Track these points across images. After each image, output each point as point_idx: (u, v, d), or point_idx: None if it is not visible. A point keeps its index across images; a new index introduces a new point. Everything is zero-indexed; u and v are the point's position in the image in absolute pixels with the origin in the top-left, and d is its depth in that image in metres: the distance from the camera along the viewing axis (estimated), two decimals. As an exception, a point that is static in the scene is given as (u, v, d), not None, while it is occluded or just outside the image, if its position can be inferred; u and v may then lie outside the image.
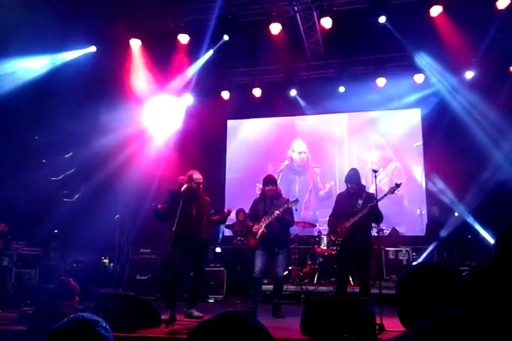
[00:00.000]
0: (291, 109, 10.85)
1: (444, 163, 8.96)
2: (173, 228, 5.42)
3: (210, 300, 7.97)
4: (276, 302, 6.10)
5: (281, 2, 8.47)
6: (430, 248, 8.30)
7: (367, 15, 8.51)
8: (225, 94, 10.64)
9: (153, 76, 9.66)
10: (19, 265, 7.50)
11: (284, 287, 6.90)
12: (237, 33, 8.89)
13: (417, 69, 9.56)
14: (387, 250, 8.52)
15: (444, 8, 7.95)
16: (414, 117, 10.56)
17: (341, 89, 10.18)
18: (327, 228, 6.46)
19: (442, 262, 8.06)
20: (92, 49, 9.16)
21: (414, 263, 8.31)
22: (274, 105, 10.74)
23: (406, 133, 10.52)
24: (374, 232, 6.27)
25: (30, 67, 8.41)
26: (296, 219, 6.75)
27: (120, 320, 4.51)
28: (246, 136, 11.42)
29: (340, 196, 6.21)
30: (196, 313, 5.69)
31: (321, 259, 8.67)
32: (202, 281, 6.17)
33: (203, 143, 10.24)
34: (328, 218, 6.24)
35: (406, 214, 9.94)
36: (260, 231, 6.10)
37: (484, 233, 8.47)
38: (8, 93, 7.76)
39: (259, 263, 6.10)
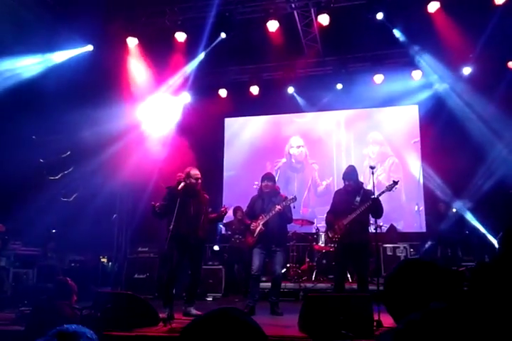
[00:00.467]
0: (289, 106, 10.83)
1: (441, 159, 8.96)
2: (171, 226, 5.42)
3: (208, 299, 7.98)
4: (274, 300, 6.11)
5: (278, -1, 8.45)
6: (428, 244, 8.32)
7: (364, 12, 8.49)
8: (223, 92, 10.63)
9: (150, 74, 9.64)
10: (17, 265, 7.48)
11: (283, 284, 6.90)
12: (235, 31, 8.87)
13: (415, 66, 9.55)
14: (385, 246, 8.53)
15: (441, 4, 7.94)
16: (411, 114, 10.55)
17: (339, 86, 10.17)
18: (325, 225, 6.45)
19: (441, 258, 8.07)
20: (89, 48, 9.13)
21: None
22: (271, 103, 10.72)
23: (403, 130, 10.52)
24: (372, 229, 6.28)
25: (26, 66, 8.39)
26: (294, 217, 6.75)
27: (118, 319, 4.52)
28: (244, 133, 11.41)
29: (337, 193, 6.21)
30: (194, 311, 5.68)
31: (319, 256, 8.66)
32: (200, 279, 6.15)
33: (201, 141, 10.22)
34: (325, 215, 6.24)
35: (404, 210, 9.94)
36: (258, 228, 6.10)
37: (482, 229, 8.47)
38: (3, 92, 7.74)
39: (257, 261, 6.10)
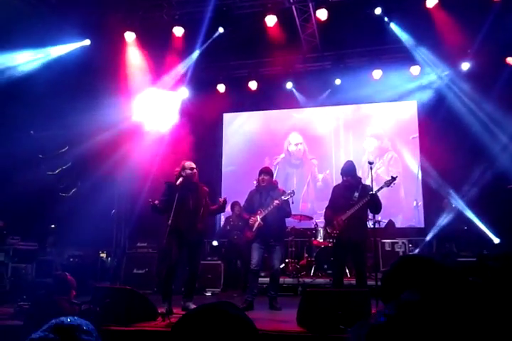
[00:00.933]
0: (288, 101, 10.81)
1: (440, 154, 8.96)
2: (169, 221, 5.42)
3: (207, 294, 8.00)
4: (273, 295, 6.12)
5: (276, -6, 8.42)
6: (427, 239, 8.34)
7: (363, 7, 8.48)
8: (221, 87, 10.60)
9: (148, 69, 9.61)
10: (15, 260, 7.48)
11: (281, 279, 6.92)
12: (233, 26, 8.84)
13: (413, 61, 9.53)
14: (384, 242, 8.54)
15: (439, 0, 7.92)
16: (410, 109, 10.55)
17: (337, 81, 10.16)
18: (324, 220, 6.46)
19: (436, 253, 8.09)
20: (86, 42, 9.09)
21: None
22: (270, 98, 10.72)
23: (402, 125, 10.52)
24: (370, 224, 6.30)
25: (23, 61, 8.36)
26: (293, 212, 6.75)
27: (117, 314, 4.53)
28: (242, 129, 11.40)
29: (336, 188, 6.21)
30: (193, 306, 5.66)
31: (317, 252, 8.67)
32: (198, 274, 6.16)
33: (199, 137, 10.20)
34: (324, 211, 6.25)
35: (402, 205, 9.95)
36: (257, 223, 6.10)
37: (480, 224, 8.50)
38: (2, 87, 7.71)
39: (256, 255, 6.10)
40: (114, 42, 9.00)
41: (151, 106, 9.92)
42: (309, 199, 10.68)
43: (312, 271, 8.54)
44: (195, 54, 9.54)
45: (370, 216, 6.22)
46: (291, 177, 10.96)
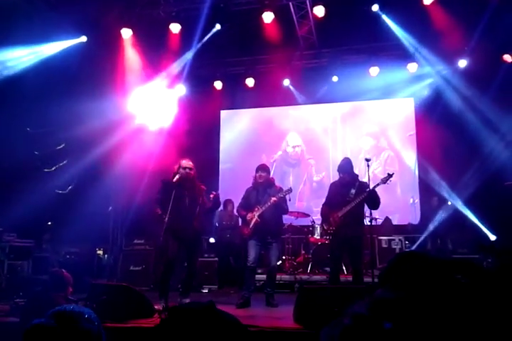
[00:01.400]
0: (285, 98, 10.81)
1: (437, 152, 8.99)
2: (166, 218, 5.42)
3: (203, 290, 7.99)
4: (269, 291, 6.12)
5: (273, -10, 8.40)
6: (423, 236, 8.36)
7: (360, 4, 8.47)
8: (218, 84, 10.58)
9: (145, 66, 9.58)
10: (11, 257, 7.46)
11: (278, 276, 6.92)
12: (230, 22, 8.83)
13: (410, 58, 9.52)
14: (380, 239, 8.57)
15: (437, -3, 7.93)
16: (407, 106, 10.55)
17: (334, 78, 10.15)
18: (320, 218, 6.47)
19: (431, 250, 8.11)
20: (83, 39, 9.06)
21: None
22: (267, 95, 10.70)
23: (399, 123, 10.53)
24: (367, 221, 6.30)
25: (19, 57, 8.32)
26: (290, 209, 6.74)
27: (113, 311, 4.52)
28: (239, 126, 11.38)
29: (333, 185, 6.22)
30: (190, 303, 5.68)
31: (314, 249, 8.68)
32: (195, 271, 6.17)
33: (197, 134, 10.20)
34: (321, 207, 6.25)
35: (399, 203, 9.96)
36: (254, 220, 6.08)
37: (477, 221, 8.52)
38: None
39: (252, 252, 6.10)
40: (111, 38, 8.97)
41: (147, 103, 9.89)
42: (305, 198, 10.68)
43: (309, 268, 8.56)
44: (192, 51, 9.51)
45: (367, 213, 6.22)
46: (287, 175, 10.97)
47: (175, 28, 8.85)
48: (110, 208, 9.14)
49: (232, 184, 10.17)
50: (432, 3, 8.11)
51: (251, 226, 6.09)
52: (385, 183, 5.90)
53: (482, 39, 8.59)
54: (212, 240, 8.99)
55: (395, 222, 9.39)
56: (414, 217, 9.67)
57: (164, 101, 10.17)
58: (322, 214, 6.16)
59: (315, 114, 11.11)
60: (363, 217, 6.11)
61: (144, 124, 9.82)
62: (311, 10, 8.61)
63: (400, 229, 9.10)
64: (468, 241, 8.32)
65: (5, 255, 7.37)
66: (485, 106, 8.87)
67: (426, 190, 9.48)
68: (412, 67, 9.68)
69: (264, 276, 6.55)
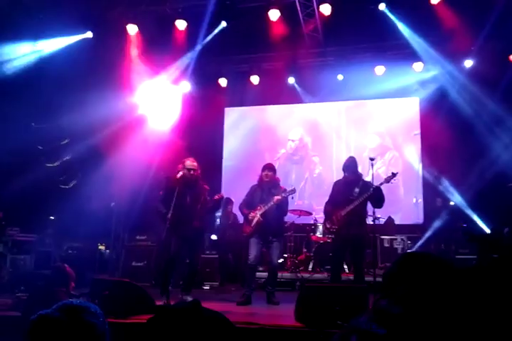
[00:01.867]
0: (290, 96, 10.78)
1: (441, 152, 8.96)
2: (169, 215, 5.44)
3: (205, 287, 8.00)
4: (270, 289, 6.12)
5: (279, -12, 8.38)
6: (425, 236, 8.34)
7: (366, 2, 8.44)
8: (223, 82, 10.57)
9: (150, 62, 9.58)
10: (14, 251, 7.50)
11: (279, 274, 6.93)
12: (236, 20, 8.81)
13: (417, 58, 9.47)
14: (382, 238, 8.55)
15: (444, -4, 7.89)
16: (412, 106, 10.51)
17: (340, 77, 10.12)
18: (323, 216, 6.46)
19: (438, 251, 8.10)
20: (89, 35, 9.06)
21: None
22: (272, 93, 10.67)
23: (404, 122, 10.49)
24: (370, 220, 6.29)
25: (24, 52, 8.34)
26: (291, 208, 6.74)
27: (114, 306, 4.52)
28: (243, 123, 11.36)
29: (336, 184, 6.21)
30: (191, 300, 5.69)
31: (316, 247, 8.68)
32: (197, 268, 6.17)
33: (200, 131, 10.19)
34: (324, 206, 6.24)
35: (402, 202, 9.93)
36: (256, 219, 6.08)
37: (480, 222, 8.49)
38: (3, 78, 7.70)
39: (253, 250, 6.10)
40: (117, 35, 8.97)
41: (152, 99, 9.89)
42: (306, 196, 10.66)
43: (310, 266, 8.55)
44: (198, 48, 9.50)
45: (370, 212, 6.22)
46: (290, 173, 10.95)
47: (181, 24, 8.84)
48: (113, 204, 9.15)
49: (235, 181, 10.17)
50: (439, 2, 8.08)
51: (253, 224, 6.09)
52: (388, 182, 5.90)
53: (489, 39, 8.55)
54: (214, 237, 8.99)
55: (397, 222, 9.36)
56: (417, 217, 9.65)
57: (169, 97, 10.17)
58: (325, 213, 6.16)
59: (320, 112, 11.09)
60: (365, 216, 6.11)
61: (149, 120, 9.82)
62: (318, 8, 8.59)
63: (402, 229, 9.08)
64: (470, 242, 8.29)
65: (8, 249, 7.41)
66: (491, 106, 8.83)
67: (429, 190, 9.45)
68: (418, 67, 9.64)
69: (266, 274, 6.55)
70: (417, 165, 9.98)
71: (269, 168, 6.30)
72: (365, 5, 8.45)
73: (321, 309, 4.33)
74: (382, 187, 5.81)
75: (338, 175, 6.74)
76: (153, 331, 1.15)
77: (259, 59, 10.52)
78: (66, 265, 4.76)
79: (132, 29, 8.95)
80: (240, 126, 11.34)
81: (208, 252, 8.53)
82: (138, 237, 8.66)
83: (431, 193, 9.33)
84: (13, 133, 7.76)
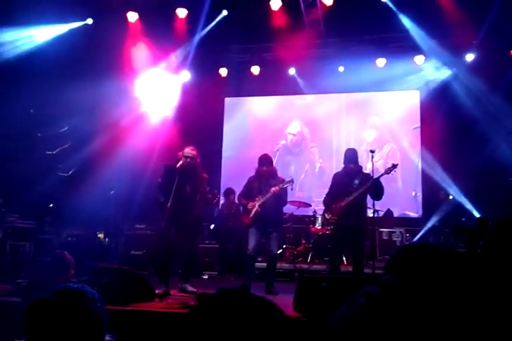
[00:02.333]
0: (290, 87, 10.73)
1: (441, 145, 8.96)
2: (168, 204, 5.45)
3: (204, 276, 8.03)
4: (269, 280, 6.14)
5: (282, -23, 8.31)
6: (424, 229, 8.37)
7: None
8: (223, 71, 10.51)
9: (150, 50, 9.52)
10: (14, 238, 7.50)
11: (278, 265, 6.95)
12: (237, 9, 8.76)
13: (418, 51, 9.44)
14: (381, 231, 8.57)
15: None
16: (412, 99, 10.47)
17: (341, 68, 10.09)
18: (323, 208, 6.48)
19: (436, 243, 8.13)
20: (89, 21, 9.00)
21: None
22: (272, 83, 10.62)
23: (404, 115, 10.46)
24: (370, 212, 6.31)
25: (24, 38, 8.28)
26: (290, 199, 6.74)
27: (114, 294, 4.52)
28: (243, 114, 11.31)
29: (336, 175, 6.22)
30: (190, 288, 5.73)
31: (315, 238, 8.70)
32: (196, 257, 6.20)
33: (200, 120, 10.16)
34: (323, 197, 6.25)
35: (400, 196, 9.94)
36: (254, 209, 6.10)
37: (479, 216, 8.51)
38: (3, 64, 7.65)
39: (252, 241, 6.12)
40: (117, 21, 8.89)
41: (152, 88, 9.85)
42: (306, 188, 10.65)
43: (309, 258, 8.58)
44: (198, 37, 9.45)
45: (369, 204, 6.24)
46: (290, 164, 10.94)
47: (181, 12, 8.79)
48: (112, 192, 9.13)
49: (235, 172, 10.16)
50: (443, -5, 8.05)
51: (251, 215, 6.11)
52: (388, 174, 5.92)
53: (490, 33, 8.52)
54: (213, 226, 9.00)
55: (396, 215, 9.39)
56: (415, 210, 9.68)
57: (169, 86, 10.12)
58: (325, 204, 6.18)
59: (320, 103, 11.04)
60: (365, 207, 6.13)
61: (149, 109, 9.78)
62: (320, -2, 8.53)
63: (401, 222, 9.11)
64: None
65: (7, 236, 7.41)
66: (491, 100, 8.82)
67: (429, 184, 9.46)
68: (420, 60, 9.61)
69: (264, 264, 6.57)
70: (416, 159, 9.97)
71: (267, 162, 6.29)
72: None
73: (319, 300, 4.36)
74: (380, 177, 5.83)
75: (338, 166, 6.75)
76: (198, 320, 1.13)
77: (260, 49, 10.46)
78: (66, 252, 4.76)
79: (132, 16, 8.89)
80: (240, 117, 11.30)
81: (207, 242, 8.54)
82: (137, 226, 8.66)
83: (430, 187, 9.34)
84: (12, 120, 7.74)
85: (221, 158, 11.18)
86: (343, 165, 6.19)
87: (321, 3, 8.59)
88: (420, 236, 8.35)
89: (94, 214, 8.02)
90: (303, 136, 11.05)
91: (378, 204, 6.62)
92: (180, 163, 5.73)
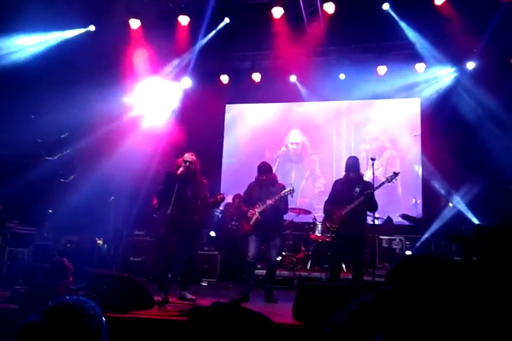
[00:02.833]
0: (291, 94, 10.75)
1: (441, 153, 8.94)
2: (169, 210, 5.44)
3: (203, 284, 7.99)
4: (269, 287, 6.12)
5: (284, -15, 8.36)
6: (424, 237, 8.35)
7: (370, 2, 8.43)
8: (224, 78, 10.55)
9: (151, 57, 9.55)
10: (13, 244, 7.49)
11: (277, 272, 6.92)
12: (239, 16, 8.79)
13: (419, 58, 9.47)
14: (381, 238, 8.55)
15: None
16: (413, 107, 10.49)
17: (342, 76, 10.11)
18: (322, 215, 6.46)
19: (434, 252, 8.10)
20: (91, 28, 9.03)
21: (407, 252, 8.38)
22: (273, 90, 10.65)
23: (405, 123, 10.47)
24: (370, 220, 6.30)
25: (26, 44, 8.31)
26: (292, 206, 6.72)
27: (113, 301, 4.52)
28: (244, 121, 11.33)
29: (337, 183, 6.21)
30: (189, 296, 5.70)
31: (315, 246, 8.67)
32: (195, 264, 6.17)
33: (201, 127, 10.16)
34: (324, 205, 6.24)
35: (400, 203, 9.92)
36: (254, 217, 6.07)
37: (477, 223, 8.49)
38: (2, 71, 7.66)
39: (252, 248, 6.09)
40: (119, 28, 8.93)
41: (153, 94, 9.87)
42: (307, 195, 10.64)
43: (309, 265, 8.55)
44: (200, 44, 9.48)
45: (369, 212, 6.23)
46: (290, 171, 10.94)
47: (183, 20, 8.82)
48: (112, 198, 9.12)
49: (235, 179, 10.16)
50: (443, 3, 8.08)
51: (252, 222, 6.09)
52: (390, 182, 5.92)
53: (491, 41, 8.55)
54: (212, 234, 8.98)
55: (395, 222, 9.36)
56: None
57: (169, 93, 10.14)
58: (325, 212, 6.16)
59: (320, 111, 11.07)
60: (365, 215, 6.11)
61: (149, 116, 9.80)
62: (321, 6, 8.57)
63: (401, 229, 9.09)
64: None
65: (6, 241, 7.39)
66: (492, 108, 8.82)
67: (429, 191, 9.44)
68: (420, 68, 9.64)
69: (264, 271, 6.55)
70: (417, 166, 9.97)
71: (266, 170, 6.26)
72: (368, 4, 8.44)
73: (319, 308, 4.33)
74: (381, 187, 5.83)
75: (338, 174, 6.74)
76: (193, 334, 1.13)
77: (261, 56, 10.49)
78: (65, 259, 4.75)
79: (135, 23, 8.93)
80: (241, 123, 11.31)
81: (206, 249, 8.52)
82: (136, 232, 8.64)
83: (430, 194, 9.32)
84: (12, 126, 7.73)
85: (221, 164, 11.18)
86: (344, 173, 6.19)
87: (323, 11, 8.62)
88: (421, 244, 8.31)
89: (93, 220, 8.01)
90: (304, 145, 11.06)
91: (378, 212, 6.61)
92: (181, 169, 5.72)
